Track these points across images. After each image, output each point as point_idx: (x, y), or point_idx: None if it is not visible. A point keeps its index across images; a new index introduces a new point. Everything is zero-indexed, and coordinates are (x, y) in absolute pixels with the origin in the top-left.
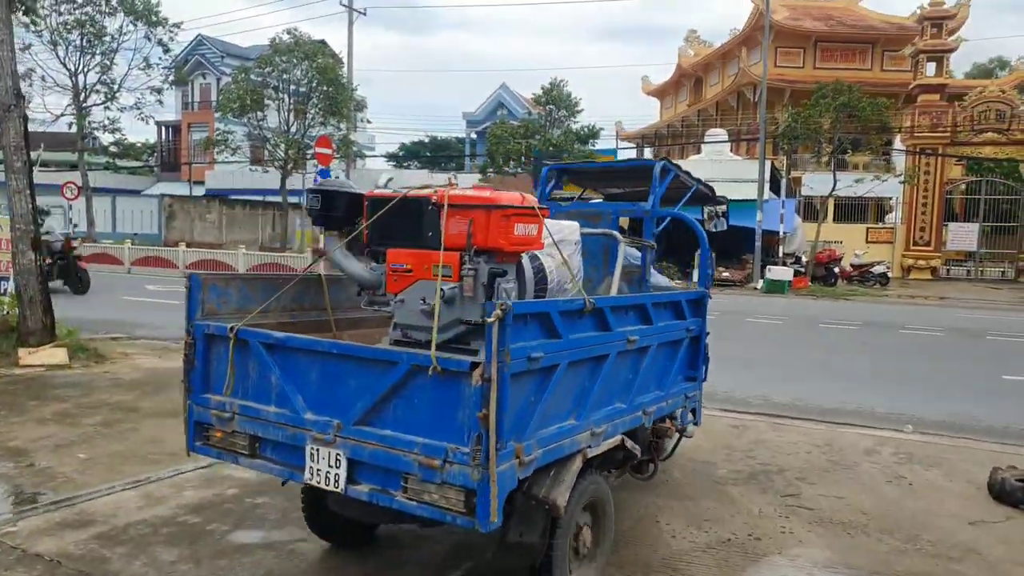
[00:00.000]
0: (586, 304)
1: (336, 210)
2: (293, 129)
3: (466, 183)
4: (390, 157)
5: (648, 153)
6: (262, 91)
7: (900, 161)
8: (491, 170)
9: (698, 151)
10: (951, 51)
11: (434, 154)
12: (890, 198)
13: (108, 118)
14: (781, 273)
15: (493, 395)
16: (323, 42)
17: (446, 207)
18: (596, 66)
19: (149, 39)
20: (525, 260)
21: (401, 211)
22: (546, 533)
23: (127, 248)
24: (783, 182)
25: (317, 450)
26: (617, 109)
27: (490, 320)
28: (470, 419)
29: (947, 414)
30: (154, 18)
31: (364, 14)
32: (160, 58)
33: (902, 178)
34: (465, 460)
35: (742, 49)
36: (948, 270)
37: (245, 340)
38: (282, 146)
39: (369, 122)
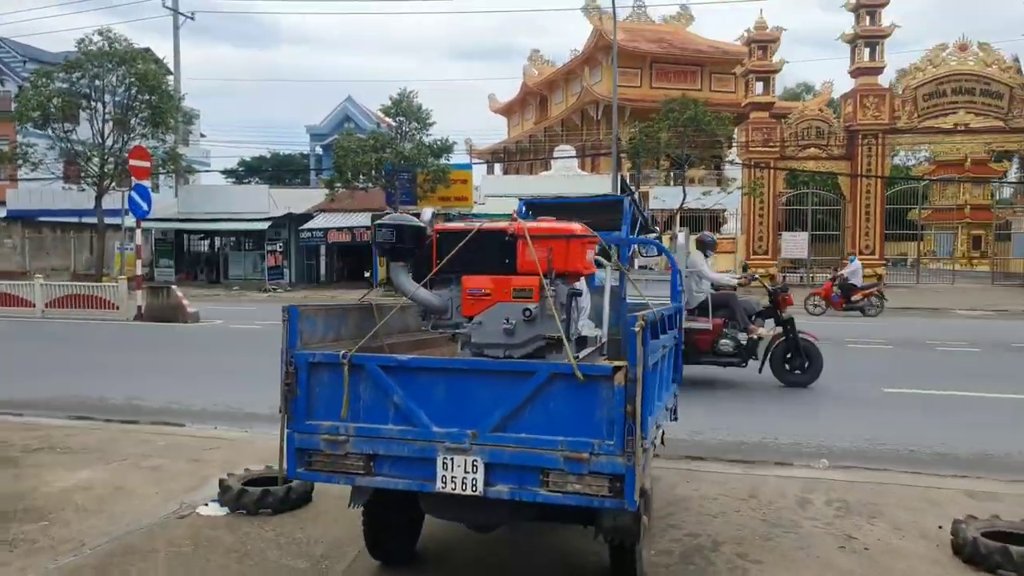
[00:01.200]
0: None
1: (404, 242)
2: (110, 142)
3: (312, 199)
4: (228, 173)
5: (498, 169)
6: (72, 100)
7: (731, 175)
8: (339, 184)
9: (547, 167)
10: (776, 71)
11: (276, 170)
12: (724, 210)
13: None
14: None
15: (639, 392)
16: (147, 49)
17: (528, 237)
18: (441, 79)
19: None
20: (582, 281)
21: (475, 242)
22: (638, 515)
23: None
24: (635, 196)
25: (451, 459)
26: (466, 127)
27: (636, 329)
28: (611, 416)
29: (845, 435)
30: None
31: (192, 18)
32: None
33: (744, 190)
34: (611, 451)
35: (584, 68)
36: (784, 277)
37: (360, 365)
38: (96, 160)
39: (203, 135)
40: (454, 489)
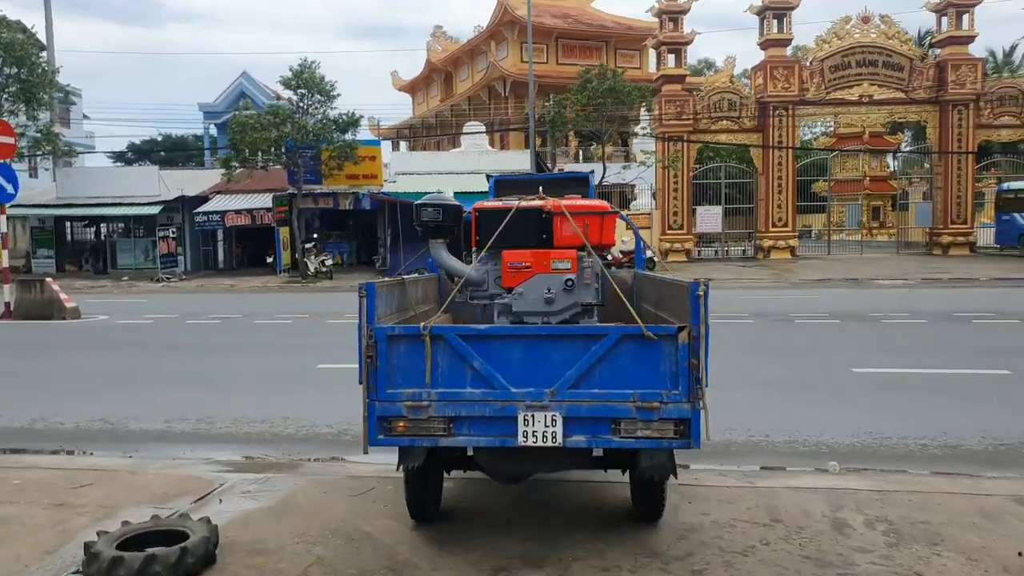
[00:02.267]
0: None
1: (447, 220)
2: None
3: (207, 181)
4: (117, 156)
5: (404, 146)
6: None
7: (641, 150)
8: (235, 164)
9: (455, 143)
10: (688, 43)
11: (168, 151)
12: (633, 185)
13: None
14: None
15: (703, 348)
16: (18, 22)
17: (568, 214)
18: (342, 51)
19: None
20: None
21: (513, 219)
22: (672, 453)
23: None
24: (533, 167)
25: (532, 415)
26: (366, 105)
27: (699, 293)
28: (676, 369)
29: (841, 427)
30: None
31: None
32: None
33: (664, 163)
34: (678, 399)
35: (491, 44)
36: (699, 251)
37: (440, 335)
38: None
39: (86, 116)
40: (535, 442)
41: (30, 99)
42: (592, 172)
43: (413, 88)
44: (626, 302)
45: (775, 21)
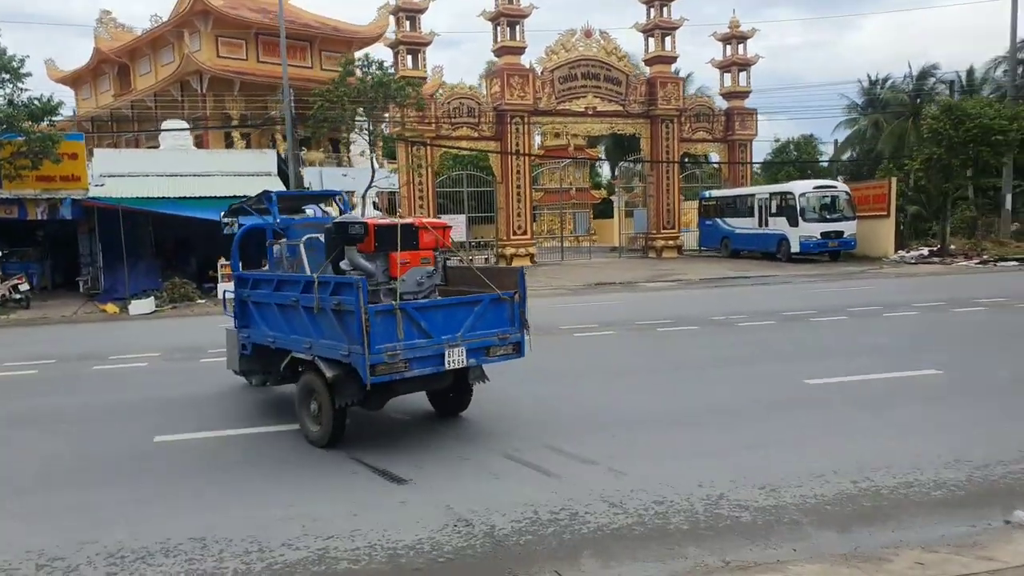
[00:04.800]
0: None
1: (362, 233)
2: None
3: None
4: None
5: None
6: None
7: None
8: None
9: (135, 144)
10: (427, 44)
11: None
12: (395, 192)
13: None
14: None
15: (526, 304)
16: None
17: (429, 227)
18: None
19: None
20: None
21: (393, 231)
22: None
23: None
24: (296, 176)
25: (452, 350)
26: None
27: (523, 274)
28: (513, 315)
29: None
30: None
31: None
32: None
33: (413, 166)
34: (515, 331)
35: (182, 35)
36: (445, 260)
37: (404, 309)
38: None
39: None
40: (452, 366)
41: None
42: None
43: (76, 80)
44: (488, 281)
45: (509, 28)
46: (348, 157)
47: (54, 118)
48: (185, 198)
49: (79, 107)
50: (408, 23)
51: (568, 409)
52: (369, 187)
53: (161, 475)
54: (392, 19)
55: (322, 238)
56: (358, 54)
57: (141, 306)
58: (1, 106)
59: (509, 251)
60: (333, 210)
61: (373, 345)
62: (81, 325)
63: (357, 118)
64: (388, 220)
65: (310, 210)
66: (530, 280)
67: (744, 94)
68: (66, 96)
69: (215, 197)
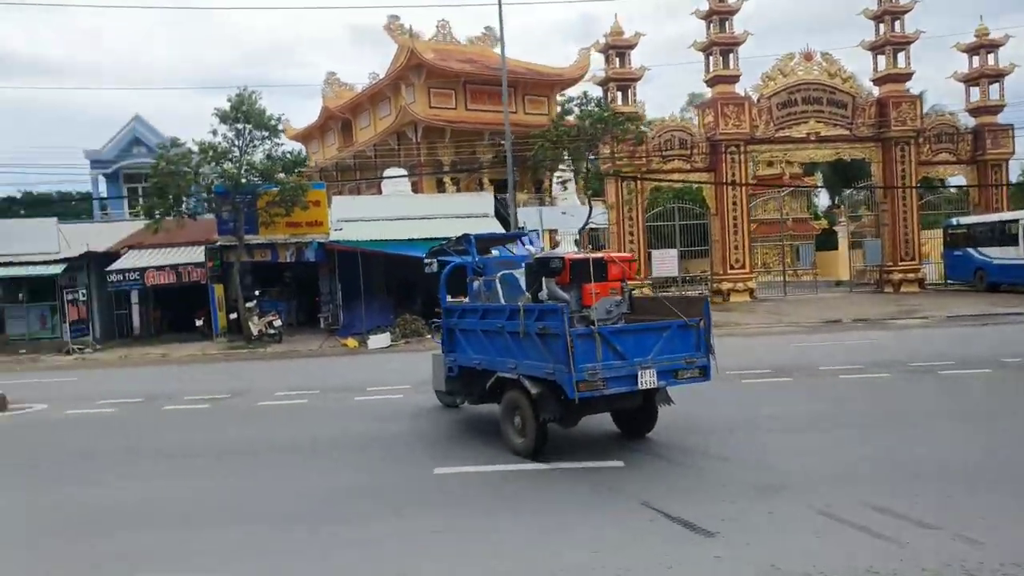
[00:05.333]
0: None
1: (561, 267)
2: None
3: (114, 234)
4: None
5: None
6: None
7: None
8: (159, 212)
9: (358, 191)
10: (637, 79)
11: (33, 209)
12: (604, 228)
13: None
14: None
15: (711, 331)
16: None
17: (617, 261)
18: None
19: None
20: None
21: (586, 264)
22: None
23: None
24: (515, 215)
25: (643, 371)
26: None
27: (708, 301)
28: (699, 341)
29: None
30: None
31: None
32: None
33: (626, 202)
34: (702, 356)
35: (398, 89)
36: (655, 296)
37: (601, 333)
38: None
39: None
40: (644, 386)
41: None
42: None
43: (307, 137)
44: (674, 309)
45: (721, 57)
46: (551, 197)
47: (301, 169)
48: (412, 239)
49: (309, 160)
50: (617, 60)
51: (868, 459)
52: (586, 224)
53: (447, 508)
54: (599, 57)
55: (515, 273)
56: (559, 97)
57: (378, 341)
58: (261, 160)
59: (725, 286)
60: (518, 249)
61: (577, 364)
62: (328, 358)
63: (571, 157)
64: (582, 255)
65: (495, 250)
66: (755, 317)
67: (996, 108)
68: (297, 151)
69: (438, 238)
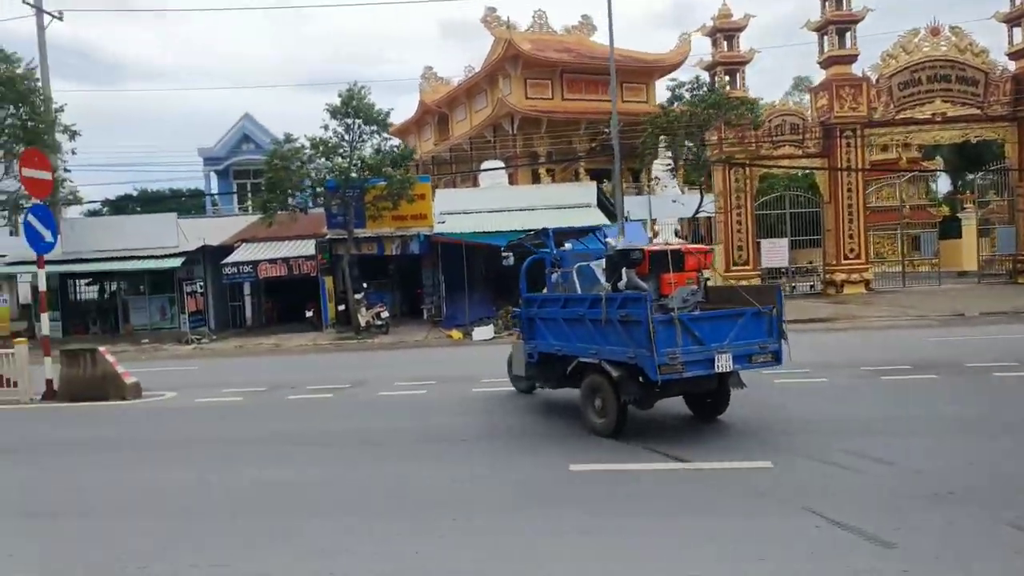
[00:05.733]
0: None
1: (640, 258)
2: None
3: (228, 228)
4: (107, 203)
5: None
6: None
7: (655, 178)
8: (274, 206)
9: (454, 184)
10: (747, 62)
11: (149, 206)
12: (710, 217)
13: None
14: None
15: (782, 316)
16: (16, 54)
17: (693, 252)
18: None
19: None
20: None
21: (664, 255)
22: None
23: None
24: (621, 204)
25: (720, 356)
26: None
27: (782, 291)
28: (771, 327)
29: None
30: None
31: (60, 18)
32: None
33: (737, 189)
34: (774, 341)
35: (495, 80)
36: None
37: (681, 319)
38: None
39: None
40: (720, 370)
41: (33, 140)
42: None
43: (403, 132)
44: (748, 298)
45: (837, 37)
46: (649, 185)
47: (408, 163)
48: (513, 231)
49: (415, 153)
50: (725, 43)
51: None
52: (697, 211)
53: (589, 506)
54: (700, 43)
55: (592, 265)
56: (668, 82)
57: (482, 333)
58: (371, 154)
59: (839, 277)
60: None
61: (658, 348)
62: (434, 349)
63: (679, 144)
64: (659, 247)
65: (568, 244)
66: (875, 310)
67: None
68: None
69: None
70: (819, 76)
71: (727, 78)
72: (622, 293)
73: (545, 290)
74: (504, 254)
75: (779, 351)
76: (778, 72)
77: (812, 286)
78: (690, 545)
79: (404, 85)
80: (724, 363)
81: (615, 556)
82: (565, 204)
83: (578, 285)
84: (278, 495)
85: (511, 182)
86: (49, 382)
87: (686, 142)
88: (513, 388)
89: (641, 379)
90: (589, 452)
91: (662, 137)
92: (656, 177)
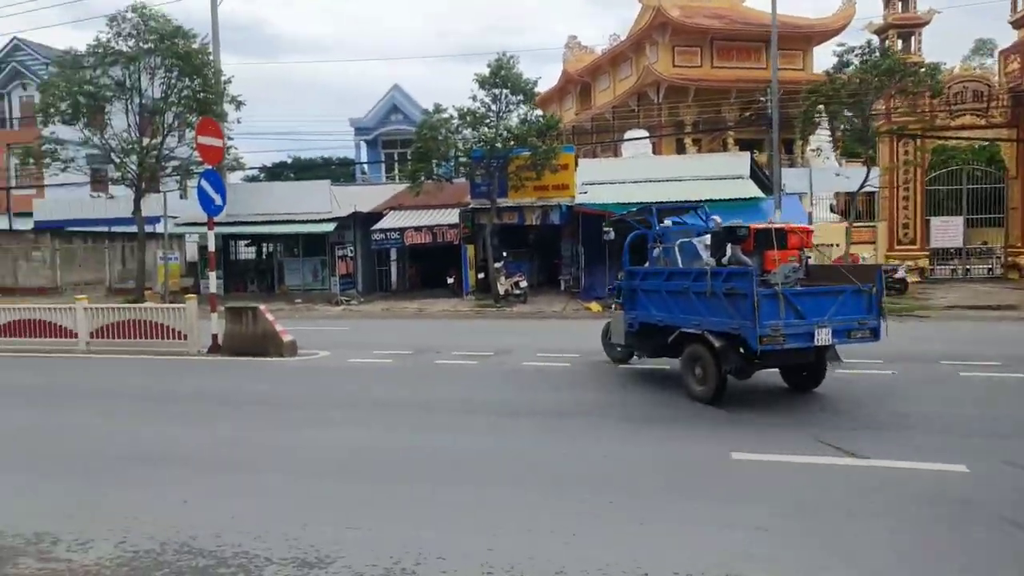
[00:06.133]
0: None
1: (745, 235)
2: (147, 138)
3: (376, 196)
4: (264, 170)
5: None
6: (103, 89)
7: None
8: (423, 176)
9: (594, 153)
10: (925, 23)
11: (302, 173)
12: (874, 192)
13: None
14: None
15: (882, 294)
16: (192, 31)
17: (797, 231)
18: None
19: None
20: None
21: (768, 233)
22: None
23: None
24: (778, 177)
25: (820, 330)
26: None
27: (881, 271)
28: (870, 305)
29: None
30: None
31: None
32: None
33: (909, 163)
34: (873, 318)
35: (642, 48)
36: (932, 270)
37: (783, 294)
38: (134, 158)
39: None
40: (820, 343)
41: (204, 110)
42: (699, 203)
43: (545, 102)
44: (851, 277)
45: None
46: (804, 158)
47: (554, 132)
48: (661, 202)
49: (561, 122)
50: (900, 4)
51: None
52: (863, 185)
53: (760, 501)
54: (864, 6)
55: (694, 241)
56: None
57: None
58: (517, 124)
59: (1023, 260)
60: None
61: (761, 320)
62: (573, 320)
63: (848, 113)
64: (764, 225)
65: (667, 220)
66: None
67: None
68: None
69: (689, 201)
70: (1008, 38)
71: (900, 42)
72: (728, 267)
73: (647, 264)
74: (605, 229)
75: (878, 328)
76: (955, 35)
77: (990, 269)
78: (906, 555)
79: (548, 54)
80: (824, 337)
81: (808, 561)
82: (715, 175)
83: (679, 260)
84: (452, 462)
85: (655, 152)
86: (215, 337)
87: (847, 112)
88: (609, 357)
89: (742, 350)
90: (750, 440)
91: (820, 107)
92: (818, 148)
